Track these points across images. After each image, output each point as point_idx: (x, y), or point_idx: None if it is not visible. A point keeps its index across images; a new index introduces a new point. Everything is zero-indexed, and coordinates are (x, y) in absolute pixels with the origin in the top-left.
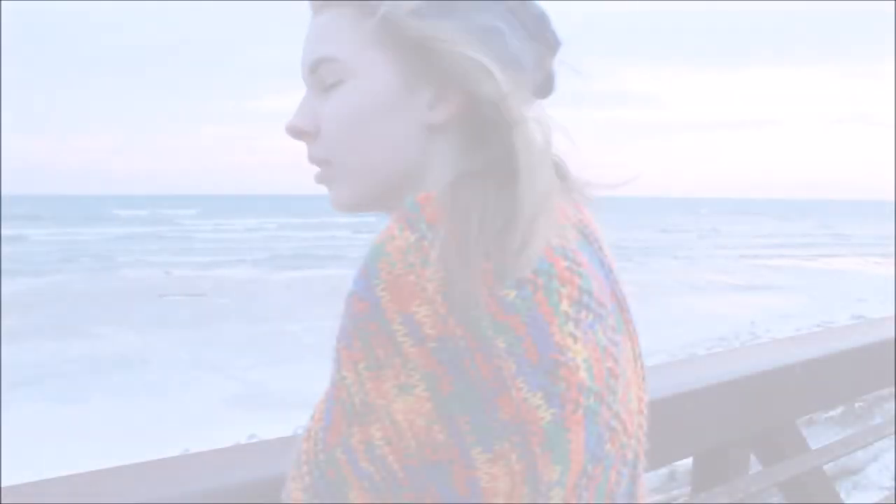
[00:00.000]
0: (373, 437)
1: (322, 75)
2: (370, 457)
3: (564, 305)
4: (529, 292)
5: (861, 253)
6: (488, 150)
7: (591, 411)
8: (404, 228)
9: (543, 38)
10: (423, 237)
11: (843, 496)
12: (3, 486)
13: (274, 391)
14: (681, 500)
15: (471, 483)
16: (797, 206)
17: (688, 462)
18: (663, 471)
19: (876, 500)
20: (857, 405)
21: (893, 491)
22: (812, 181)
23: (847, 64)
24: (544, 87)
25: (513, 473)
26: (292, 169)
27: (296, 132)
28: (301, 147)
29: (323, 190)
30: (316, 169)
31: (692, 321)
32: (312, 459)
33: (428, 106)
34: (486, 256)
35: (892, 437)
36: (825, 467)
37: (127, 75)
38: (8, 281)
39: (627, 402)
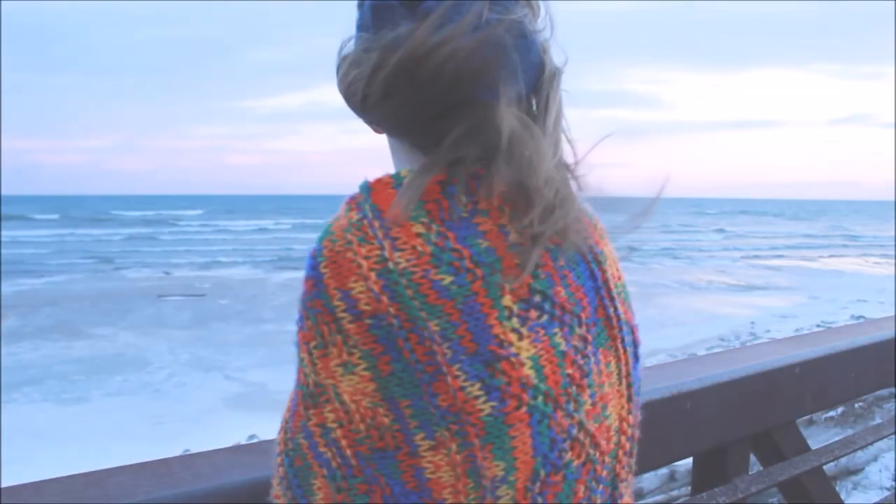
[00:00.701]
0: (326, 420)
1: None
2: (326, 440)
3: (507, 300)
4: (467, 281)
5: (879, 255)
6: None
7: (539, 412)
8: (351, 209)
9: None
10: (365, 217)
11: (843, 496)
12: (3, 486)
13: (274, 391)
14: (681, 500)
15: (417, 474)
16: (804, 207)
17: (688, 462)
18: (663, 471)
19: (876, 500)
20: (857, 405)
21: (893, 491)
22: (815, 182)
23: (847, 64)
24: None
25: (454, 464)
26: (297, 169)
27: None
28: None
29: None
30: None
31: (692, 321)
32: (283, 450)
33: None
34: (424, 239)
35: (892, 437)
36: (825, 467)
37: (127, 75)
38: (8, 281)
39: (602, 418)
